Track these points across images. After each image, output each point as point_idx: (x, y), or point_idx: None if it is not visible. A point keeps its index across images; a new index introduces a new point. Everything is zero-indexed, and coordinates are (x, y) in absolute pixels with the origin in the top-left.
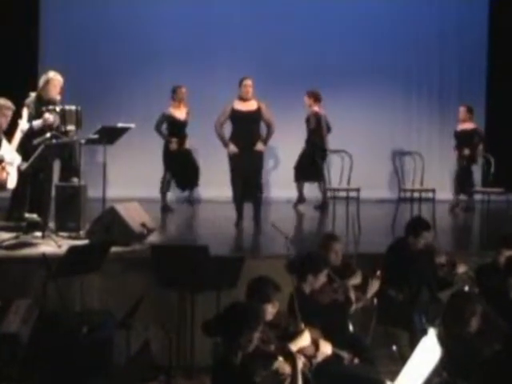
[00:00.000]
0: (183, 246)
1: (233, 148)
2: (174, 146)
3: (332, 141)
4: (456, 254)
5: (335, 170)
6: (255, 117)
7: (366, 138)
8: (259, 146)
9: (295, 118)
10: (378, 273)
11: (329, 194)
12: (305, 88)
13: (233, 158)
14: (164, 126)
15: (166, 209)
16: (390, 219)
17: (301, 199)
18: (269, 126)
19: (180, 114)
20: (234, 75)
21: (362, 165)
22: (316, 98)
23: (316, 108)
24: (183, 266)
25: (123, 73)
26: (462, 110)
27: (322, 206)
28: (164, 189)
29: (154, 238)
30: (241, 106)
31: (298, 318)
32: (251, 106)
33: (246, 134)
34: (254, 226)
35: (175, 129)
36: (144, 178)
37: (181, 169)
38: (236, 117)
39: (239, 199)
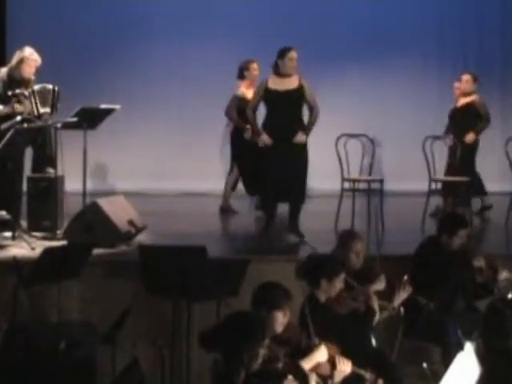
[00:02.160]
0: (177, 247)
1: (266, 138)
2: (248, 134)
3: (351, 123)
4: (497, 257)
5: (354, 158)
6: (295, 97)
7: (391, 120)
8: (299, 137)
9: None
10: (406, 277)
11: (347, 185)
12: (317, 61)
13: (265, 151)
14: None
15: (225, 210)
16: (419, 215)
17: None
18: (311, 109)
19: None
20: (235, 54)
21: (386, 151)
22: None
23: None
24: (177, 271)
25: (107, 47)
26: (466, 79)
27: None
28: (228, 186)
29: (143, 238)
30: (277, 85)
31: (311, 331)
32: (291, 83)
33: (284, 120)
34: (289, 235)
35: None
36: (131, 168)
37: (252, 166)
38: (271, 98)
39: (271, 200)
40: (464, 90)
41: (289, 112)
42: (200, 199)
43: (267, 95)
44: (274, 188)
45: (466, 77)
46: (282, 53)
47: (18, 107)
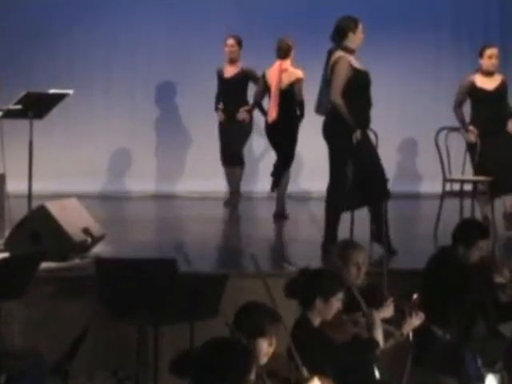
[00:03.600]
0: (141, 260)
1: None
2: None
3: None
4: None
5: None
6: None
7: (399, 109)
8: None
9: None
10: (415, 296)
11: None
12: (309, 39)
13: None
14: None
15: (280, 215)
16: (431, 222)
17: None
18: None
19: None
20: (206, 36)
21: (392, 146)
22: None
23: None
24: (142, 288)
25: (59, 21)
26: (493, 52)
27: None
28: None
29: (101, 249)
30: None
31: (298, 362)
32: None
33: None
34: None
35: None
36: (87, 166)
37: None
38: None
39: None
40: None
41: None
42: (169, 202)
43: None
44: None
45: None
46: (355, 23)
47: None
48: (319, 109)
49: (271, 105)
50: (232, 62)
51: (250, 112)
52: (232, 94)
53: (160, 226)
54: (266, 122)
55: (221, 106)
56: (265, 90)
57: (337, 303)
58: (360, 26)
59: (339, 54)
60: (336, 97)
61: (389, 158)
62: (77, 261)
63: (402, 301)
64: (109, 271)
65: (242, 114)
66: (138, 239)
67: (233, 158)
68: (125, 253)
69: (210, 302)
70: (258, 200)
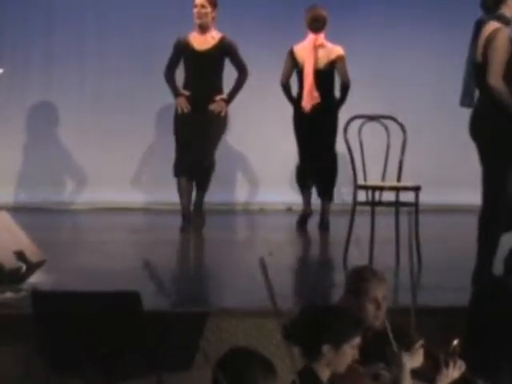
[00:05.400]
0: (92, 294)
1: None
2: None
3: (369, 100)
4: None
5: (374, 154)
6: None
7: (431, 97)
8: None
9: None
10: (455, 342)
11: (363, 195)
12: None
13: None
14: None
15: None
16: (473, 243)
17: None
18: None
19: None
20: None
21: (423, 145)
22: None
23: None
24: (93, 331)
25: None
26: None
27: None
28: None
29: (39, 280)
30: None
31: None
32: None
33: None
34: None
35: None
36: (21, 171)
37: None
38: None
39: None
40: None
41: None
42: (124, 216)
43: None
44: None
45: None
46: None
47: None
48: (465, 100)
49: (307, 89)
50: (203, 29)
51: (227, 102)
52: (205, 74)
53: (114, 248)
54: (297, 111)
55: (185, 91)
56: (292, 70)
57: (351, 351)
58: None
59: (494, 24)
60: (496, 80)
61: (420, 158)
62: (8, 294)
63: (436, 344)
64: (49, 308)
65: (218, 105)
66: (86, 266)
67: (203, 169)
68: (69, 284)
69: (182, 349)
70: (232, 213)
